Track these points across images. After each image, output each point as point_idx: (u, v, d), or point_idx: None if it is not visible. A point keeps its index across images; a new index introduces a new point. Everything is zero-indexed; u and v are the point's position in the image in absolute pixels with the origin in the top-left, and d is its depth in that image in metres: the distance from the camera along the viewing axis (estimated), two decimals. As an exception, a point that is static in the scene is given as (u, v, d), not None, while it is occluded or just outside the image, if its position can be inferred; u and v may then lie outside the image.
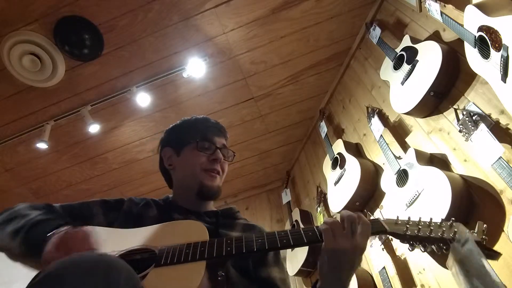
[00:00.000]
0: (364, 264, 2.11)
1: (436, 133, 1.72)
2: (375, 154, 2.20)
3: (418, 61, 1.78)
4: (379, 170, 2.09)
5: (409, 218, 0.90)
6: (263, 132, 3.24)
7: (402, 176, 1.71)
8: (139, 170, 3.29)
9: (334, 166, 2.41)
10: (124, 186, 3.40)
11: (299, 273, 2.64)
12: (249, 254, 0.94)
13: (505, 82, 1.27)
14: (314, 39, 2.58)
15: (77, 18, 2.19)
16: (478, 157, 1.43)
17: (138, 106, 2.66)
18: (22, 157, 2.94)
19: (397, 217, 0.91)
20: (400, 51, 1.93)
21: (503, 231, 1.28)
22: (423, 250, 0.86)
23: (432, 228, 0.87)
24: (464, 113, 1.47)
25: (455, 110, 1.56)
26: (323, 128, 2.75)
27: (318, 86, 2.92)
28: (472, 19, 1.42)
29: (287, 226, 3.06)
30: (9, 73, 2.32)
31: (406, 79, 1.83)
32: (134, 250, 0.88)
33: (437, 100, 1.69)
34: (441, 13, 1.62)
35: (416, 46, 1.83)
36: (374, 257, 2.00)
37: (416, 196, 1.56)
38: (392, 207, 1.77)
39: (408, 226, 0.87)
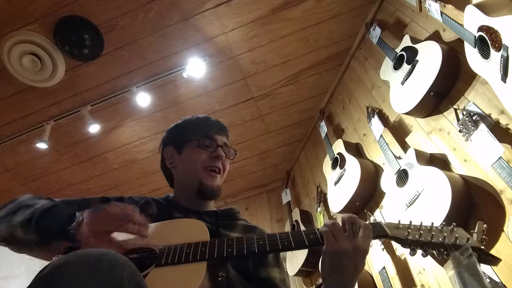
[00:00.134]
0: (364, 264, 2.11)
1: (436, 133, 1.72)
2: (375, 154, 2.20)
3: (418, 61, 1.78)
4: (379, 170, 2.09)
5: (410, 222, 0.90)
6: (263, 132, 3.24)
7: (402, 176, 1.71)
8: (139, 170, 3.29)
9: (334, 166, 2.41)
10: (124, 186, 3.40)
11: (299, 273, 2.64)
12: (250, 256, 0.94)
13: (505, 82, 1.27)
14: (314, 39, 2.58)
15: (77, 18, 2.19)
16: (478, 157, 1.43)
17: (138, 106, 2.66)
18: (22, 157, 2.94)
19: (399, 221, 0.91)
20: (400, 51, 1.93)
21: (503, 231, 1.28)
22: (424, 255, 0.86)
23: (433, 233, 0.87)
24: (464, 113, 1.47)
25: (455, 110, 1.56)
26: (323, 128, 2.76)
27: (318, 86, 2.92)
28: (472, 19, 1.42)
29: (287, 226, 3.06)
30: (9, 73, 2.32)
31: (406, 79, 1.83)
32: (134, 249, 0.87)
33: (437, 100, 1.69)
34: (441, 13, 1.62)
35: (416, 46, 1.83)
36: (374, 257, 2.00)
37: (416, 196, 1.56)
38: (392, 207, 1.77)
39: (409, 230, 0.87)
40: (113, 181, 3.35)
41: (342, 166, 2.30)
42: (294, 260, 2.70)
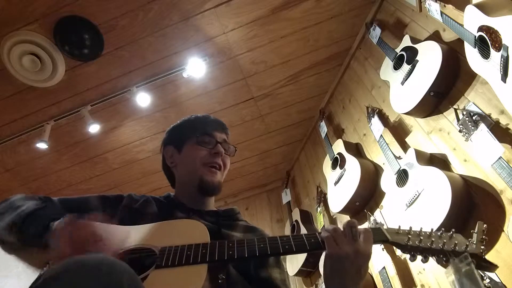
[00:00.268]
0: (364, 264, 2.11)
1: (436, 133, 1.72)
2: (375, 154, 2.20)
3: (418, 61, 1.78)
4: (379, 170, 2.09)
5: (410, 228, 0.91)
6: (263, 132, 3.24)
7: (402, 176, 1.71)
8: (139, 170, 3.29)
9: (334, 166, 2.41)
10: (124, 186, 3.40)
11: (299, 273, 2.64)
12: (250, 259, 0.94)
13: (505, 82, 1.27)
14: (314, 39, 2.58)
15: (77, 18, 2.19)
16: (478, 157, 1.43)
17: (138, 106, 2.66)
18: (22, 157, 2.94)
19: (399, 226, 0.92)
20: (400, 51, 1.93)
21: (503, 231, 1.28)
22: (424, 261, 0.87)
23: (433, 239, 0.87)
24: (464, 113, 1.47)
25: (455, 110, 1.55)
26: (323, 128, 2.76)
27: (318, 86, 2.92)
28: (472, 19, 1.42)
29: (287, 226, 3.06)
30: (9, 73, 2.32)
31: (406, 79, 1.83)
32: (134, 249, 0.87)
33: (437, 100, 1.69)
34: (441, 13, 1.62)
35: (416, 46, 1.83)
36: (374, 257, 2.00)
37: (416, 196, 1.56)
38: (392, 207, 1.77)
39: (409, 236, 0.88)
40: (113, 181, 3.35)
41: (342, 166, 2.30)
42: (294, 260, 2.70)
